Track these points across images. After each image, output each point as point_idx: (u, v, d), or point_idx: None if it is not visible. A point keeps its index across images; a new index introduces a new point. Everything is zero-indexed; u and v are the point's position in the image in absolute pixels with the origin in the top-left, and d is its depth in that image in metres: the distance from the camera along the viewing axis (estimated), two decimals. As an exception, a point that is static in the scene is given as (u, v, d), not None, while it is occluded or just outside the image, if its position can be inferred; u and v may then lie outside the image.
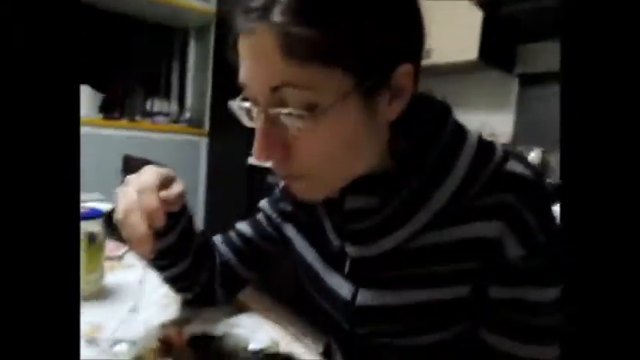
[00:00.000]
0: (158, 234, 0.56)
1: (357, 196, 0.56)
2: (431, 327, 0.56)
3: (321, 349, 0.78)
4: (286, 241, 0.72)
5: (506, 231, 0.49)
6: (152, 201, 0.53)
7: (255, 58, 0.46)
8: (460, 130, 0.54)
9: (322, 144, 0.47)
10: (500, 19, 2.10)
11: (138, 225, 0.52)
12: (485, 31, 2.08)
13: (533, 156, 2.10)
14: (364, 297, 0.58)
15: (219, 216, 3.26)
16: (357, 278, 0.60)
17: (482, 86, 2.48)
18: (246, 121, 0.52)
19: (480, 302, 0.53)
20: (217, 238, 0.79)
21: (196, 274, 0.71)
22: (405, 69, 0.48)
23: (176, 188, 0.58)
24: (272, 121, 0.47)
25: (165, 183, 0.57)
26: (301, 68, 0.44)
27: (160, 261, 0.66)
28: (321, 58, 0.43)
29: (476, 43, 2.08)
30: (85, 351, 0.58)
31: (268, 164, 0.51)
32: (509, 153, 0.54)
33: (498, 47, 2.20)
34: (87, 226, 0.75)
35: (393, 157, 0.55)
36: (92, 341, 0.61)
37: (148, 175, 0.56)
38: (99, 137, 3.05)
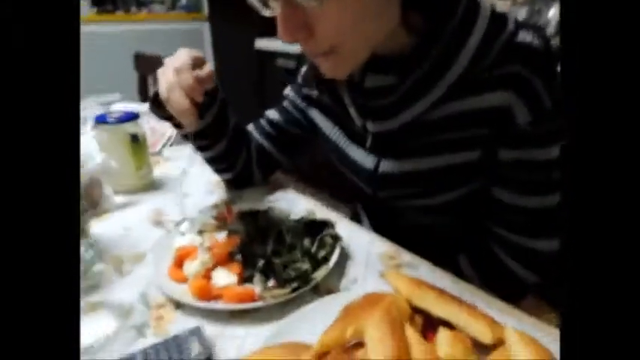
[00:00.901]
0: (199, 108, 0.64)
1: (377, 75, 0.61)
2: (445, 188, 0.64)
3: (349, 214, 0.90)
4: (312, 125, 0.79)
5: (515, 99, 0.54)
6: (189, 78, 0.60)
7: None
8: (474, 3, 0.56)
9: (340, 16, 0.49)
10: None
11: (181, 101, 0.60)
12: None
13: (553, 13, 1.99)
14: (386, 166, 0.66)
15: (232, 102, 3.28)
16: (378, 151, 0.67)
17: None
18: (264, 11, 0.54)
19: (489, 164, 0.60)
20: (250, 126, 0.86)
21: (234, 155, 0.80)
22: None
23: (207, 67, 0.64)
24: (290, 4, 0.49)
25: (197, 63, 0.63)
26: None
27: (201, 141, 0.75)
28: None
29: None
30: (154, 232, 0.70)
31: (286, 47, 0.54)
32: (520, 24, 0.56)
33: None
34: (127, 128, 0.82)
35: (409, 32, 0.57)
36: (159, 223, 0.73)
37: (182, 55, 0.62)
38: (98, 35, 2.96)
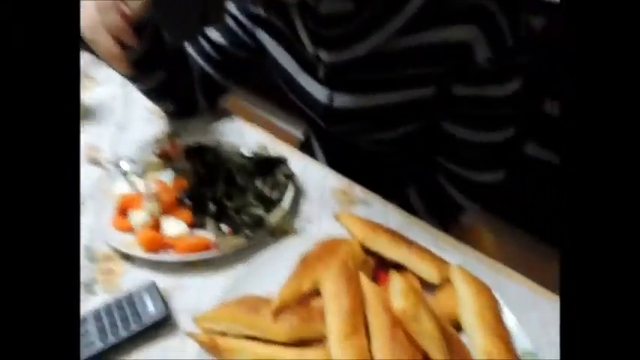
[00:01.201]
0: (128, 47, 0.55)
1: (333, 1, 0.54)
2: (398, 123, 0.63)
3: (300, 143, 0.88)
4: (261, 47, 0.72)
5: (477, 34, 0.51)
6: (115, 20, 0.51)
7: None
8: None
9: None
10: None
11: (107, 45, 0.52)
12: None
13: None
14: (340, 100, 0.63)
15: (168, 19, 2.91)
16: (332, 83, 0.63)
17: None
18: None
19: (443, 100, 0.59)
20: (189, 48, 0.76)
21: (175, 83, 0.71)
22: None
23: None
24: None
25: None
26: None
27: (137, 71, 0.66)
28: None
29: None
30: (91, 171, 0.65)
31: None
32: None
33: None
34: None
35: None
36: (94, 161, 0.67)
37: None
38: None
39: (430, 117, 0.63)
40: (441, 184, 0.67)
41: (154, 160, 0.65)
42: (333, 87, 0.63)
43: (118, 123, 0.77)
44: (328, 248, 0.47)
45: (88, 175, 0.64)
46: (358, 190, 0.63)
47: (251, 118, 0.80)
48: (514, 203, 1.36)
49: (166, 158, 0.66)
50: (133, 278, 0.49)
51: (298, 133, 0.91)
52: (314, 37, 0.60)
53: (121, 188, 0.57)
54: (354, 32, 0.55)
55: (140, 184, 0.58)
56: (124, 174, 0.62)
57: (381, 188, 0.63)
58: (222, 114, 0.80)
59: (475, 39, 0.51)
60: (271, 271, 0.47)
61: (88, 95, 0.83)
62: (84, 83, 0.89)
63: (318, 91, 0.65)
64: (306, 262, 0.45)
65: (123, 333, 0.42)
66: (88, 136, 0.73)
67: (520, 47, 0.52)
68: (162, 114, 0.79)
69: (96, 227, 0.53)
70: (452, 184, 0.66)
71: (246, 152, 0.65)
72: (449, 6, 0.51)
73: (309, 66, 0.65)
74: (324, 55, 0.60)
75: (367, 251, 0.48)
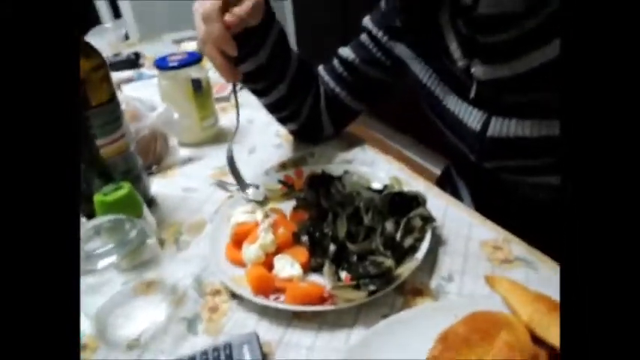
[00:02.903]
0: (241, 58, 0.54)
1: (497, 0, 0.43)
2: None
3: (439, 177, 0.76)
4: (398, 65, 0.63)
5: None
6: (215, 30, 0.48)
7: None
8: None
9: None
10: None
11: (212, 55, 0.50)
12: None
13: None
14: (497, 127, 0.50)
15: (313, 39, 3.05)
16: (485, 105, 0.51)
17: None
18: None
19: None
20: (320, 68, 0.72)
21: (298, 100, 0.67)
22: None
23: (247, 2, 0.50)
24: None
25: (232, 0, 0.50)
26: None
27: (255, 84, 0.63)
28: None
29: None
30: (216, 195, 0.63)
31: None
32: None
33: None
34: (189, 72, 0.73)
35: None
36: (221, 185, 0.65)
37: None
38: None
39: None
40: None
41: (277, 188, 0.60)
42: (489, 110, 0.51)
43: (251, 147, 0.75)
44: (480, 328, 0.34)
45: (213, 198, 0.62)
46: (517, 246, 0.49)
47: (384, 149, 0.72)
48: None
49: (289, 186, 0.61)
50: (237, 320, 0.43)
51: (437, 170, 0.79)
52: (467, 45, 0.49)
53: (240, 216, 0.52)
54: (519, 41, 0.44)
55: (259, 213, 0.52)
56: (247, 200, 0.58)
57: (548, 246, 0.48)
58: (352, 141, 0.73)
59: None
60: (397, 343, 0.36)
61: (225, 119, 0.84)
62: (224, 107, 0.91)
63: (469, 115, 0.53)
64: (448, 343, 0.33)
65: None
66: (220, 157, 0.72)
67: None
68: (291, 138, 0.76)
69: (209, 257, 0.49)
70: None
71: (377, 185, 0.56)
72: None
73: (457, 85, 0.54)
74: (477, 70, 0.49)
75: (536, 339, 0.34)
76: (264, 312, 0.43)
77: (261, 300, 0.43)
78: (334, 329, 0.41)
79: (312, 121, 0.70)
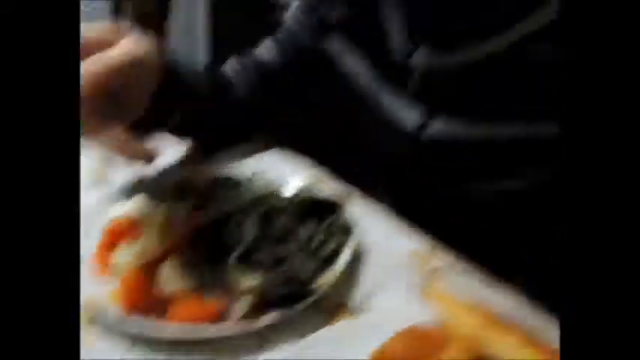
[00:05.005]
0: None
1: None
2: (519, 168, 0.45)
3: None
4: (325, 64, 0.56)
5: None
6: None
7: None
8: None
9: None
10: None
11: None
12: None
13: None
14: (438, 126, 0.46)
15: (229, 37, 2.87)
16: (428, 100, 0.47)
17: None
18: None
19: None
20: (228, 66, 0.61)
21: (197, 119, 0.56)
22: None
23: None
24: None
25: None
26: None
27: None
28: None
29: None
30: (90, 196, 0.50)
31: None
32: None
33: None
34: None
35: None
36: (102, 182, 0.53)
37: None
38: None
39: (550, 167, 0.44)
40: None
41: (173, 187, 0.50)
42: (431, 106, 0.47)
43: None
44: (417, 347, 0.27)
45: (86, 201, 0.50)
46: (448, 256, 0.44)
47: (296, 158, 0.64)
48: None
49: (187, 186, 0.51)
50: (105, 350, 0.32)
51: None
52: (415, 25, 0.45)
53: (118, 211, 0.41)
54: (477, 25, 0.41)
55: (143, 208, 0.41)
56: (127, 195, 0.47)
57: (478, 253, 0.44)
58: (260, 146, 0.65)
59: None
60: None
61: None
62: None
63: (406, 111, 0.48)
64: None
65: None
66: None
67: None
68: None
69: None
70: None
71: (288, 191, 0.49)
72: None
73: (395, 76, 0.49)
74: (421, 57, 0.45)
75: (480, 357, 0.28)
76: (139, 340, 0.32)
77: (134, 322, 0.32)
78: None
79: (218, 133, 0.60)
